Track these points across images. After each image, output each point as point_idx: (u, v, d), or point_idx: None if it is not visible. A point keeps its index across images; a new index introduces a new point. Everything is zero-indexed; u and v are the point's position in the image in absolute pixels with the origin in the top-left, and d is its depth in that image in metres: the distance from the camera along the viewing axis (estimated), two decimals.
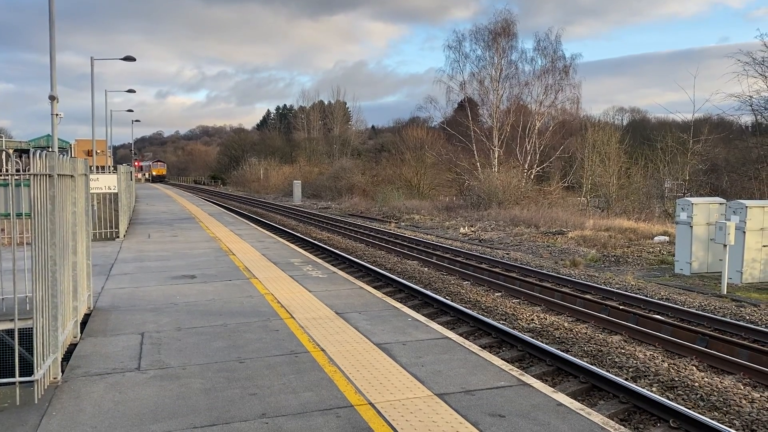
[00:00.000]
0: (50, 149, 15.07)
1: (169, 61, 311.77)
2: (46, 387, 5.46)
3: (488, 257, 17.78)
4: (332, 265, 14.42)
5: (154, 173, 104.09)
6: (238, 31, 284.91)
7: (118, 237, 17.57)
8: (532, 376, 6.62)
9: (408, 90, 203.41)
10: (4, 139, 42.21)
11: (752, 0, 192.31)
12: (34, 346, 5.21)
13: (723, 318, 10.54)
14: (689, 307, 11.45)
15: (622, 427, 4.79)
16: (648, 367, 8.14)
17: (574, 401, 5.33)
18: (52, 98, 15.87)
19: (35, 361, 5.23)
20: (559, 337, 9.67)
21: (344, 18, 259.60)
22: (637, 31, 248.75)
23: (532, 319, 10.73)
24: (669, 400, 6.91)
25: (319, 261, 13.50)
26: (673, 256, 16.73)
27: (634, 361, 8.39)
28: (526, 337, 9.16)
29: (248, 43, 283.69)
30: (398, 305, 8.96)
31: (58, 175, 5.84)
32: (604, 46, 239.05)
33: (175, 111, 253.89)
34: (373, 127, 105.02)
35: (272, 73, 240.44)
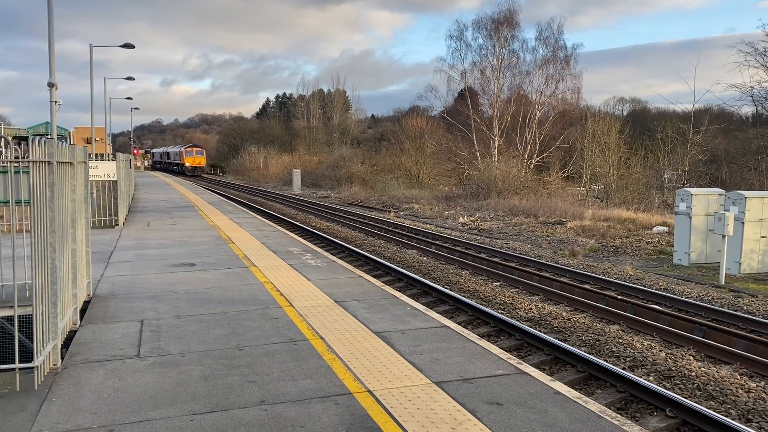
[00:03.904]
0: (49, 136, 15.04)
1: (174, 49, 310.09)
2: (45, 373, 5.49)
3: (487, 247, 17.80)
4: (331, 253, 14.43)
5: (187, 164, 73.37)
6: (244, 18, 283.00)
7: (117, 225, 17.57)
8: (530, 364, 6.65)
9: (413, 79, 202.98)
10: (2, 126, 42.10)
11: None
12: (34, 332, 5.23)
13: (720, 308, 10.58)
14: (687, 298, 11.48)
15: (619, 416, 4.82)
16: (645, 357, 8.17)
17: (572, 390, 5.36)
18: (51, 85, 15.80)
19: (35, 347, 5.25)
20: (557, 327, 9.70)
21: (350, 7, 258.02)
22: (642, 21, 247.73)
23: (531, 309, 10.76)
24: (666, 389, 6.95)
25: (319, 250, 13.51)
26: (672, 246, 16.75)
27: (632, 351, 8.42)
28: (525, 326, 9.19)
29: (254, 31, 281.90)
30: (397, 294, 8.98)
31: (57, 162, 5.84)
32: (609, 36, 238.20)
33: (179, 99, 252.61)
34: (372, 116, 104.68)
35: (278, 61, 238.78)
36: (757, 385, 7.24)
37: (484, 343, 6.58)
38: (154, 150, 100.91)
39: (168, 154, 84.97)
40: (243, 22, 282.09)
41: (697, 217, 15.58)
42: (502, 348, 7.38)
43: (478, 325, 9.79)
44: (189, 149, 76.12)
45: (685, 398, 6.59)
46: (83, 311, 7.72)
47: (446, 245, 18.27)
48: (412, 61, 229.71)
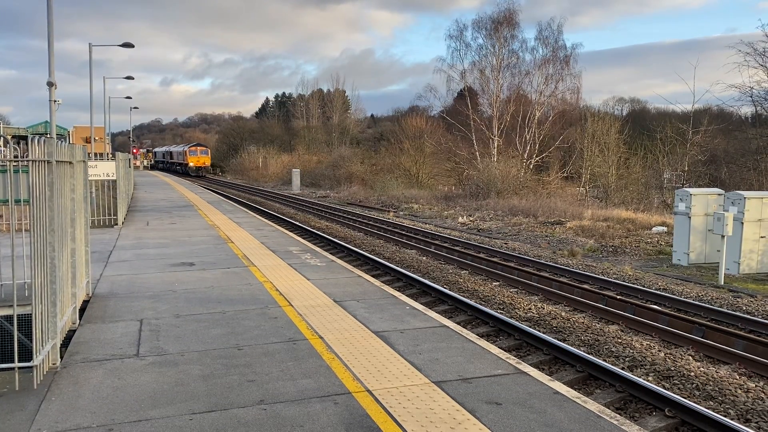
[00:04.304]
0: (48, 136, 15.03)
1: (174, 48, 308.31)
2: (45, 372, 5.49)
3: (486, 247, 17.80)
4: (331, 253, 14.43)
5: (191, 164, 68.93)
6: (244, 18, 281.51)
7: (116, 224, 17.57)
8: (529, 364, 6.66)
9: (413, 79, 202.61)
10: (2, 126, 42.07)
11: None
12: (33, 331, 5.23)
13: (720, 308, 10.58)
14: (686, 298, 11.49)
15: (618, 416, 4.82)
16: (644, 357, 8.18)
17: (571, 390, 5.37)
18: (50, 84, 15.80)
19: (34, 346, 5.25)
20: (556, 327, 9.71)
21: (351, 6, 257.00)
22: (642, 22, 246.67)
23: (530, 309, 10.77)
24: (665, 389, 6.95)
25: (318, 249, 13.51)
26: (671, 246, 16.76)
27: (631, 351, 8.43)
28: (524, 326, 9.20)
29: (254, 30, 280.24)
30: (396, 294, 8.98)
31: (56, 161, 5.83)
32: (609, 36, 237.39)
33: (179, 99, 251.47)
34: (372, 115, 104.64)
35: (278, 61, 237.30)
36: (756, 385, 7.24)
37: (483, 343, 6.59)
38: (156, 149, 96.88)
39: (171, 153, 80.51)
40: (243, 22, 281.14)
41: (697, 217, 15.58)
42: (501, 348, 7.39)
43: (477, 324, 9.80)
44: (193, 148, 71.04)
45: (684, 398, 6.60)
46: (82, 310, 7.72)
47: (445, 245, 18.27)
48: (412, 60, 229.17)
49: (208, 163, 71.22)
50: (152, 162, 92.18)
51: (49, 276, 5.59)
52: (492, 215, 27.45)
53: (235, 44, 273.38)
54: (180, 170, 71.95)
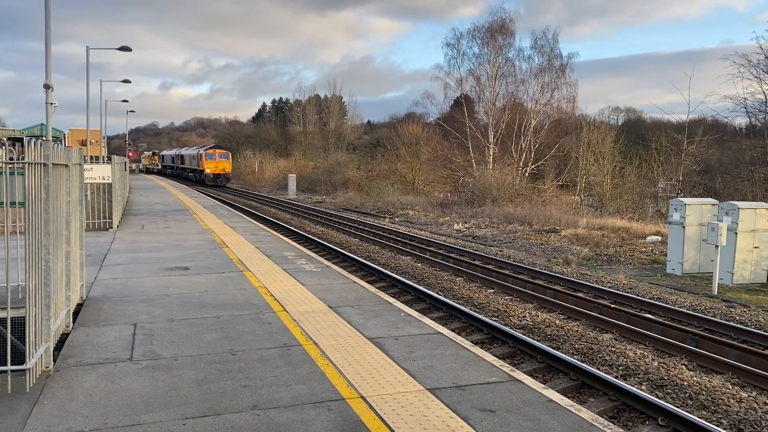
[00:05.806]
0: (44, 138, 15.00)
1: (174, 52, 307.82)
2: (37, 376, 5.46)
3: (481, 254, 17.82)
4: (326, 259, 14.42)
5: (207, 170, 56.49)
6: (244, 23, 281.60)
7: (111, 227, 17.52)
8: (523, 372, 6.66)
9: (411, 86, 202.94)
10: None
11: (758, 4, 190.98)
12: (27, 334, 5.21)
13: (713, 318, 10.62)
14: (680, 307, 11.53)
15: (611, 424, 4.83)
16: (638, 366, 8.20)
17: (564, 398, 5.37)
18: (46, 87, 15.79)
19: (27, 349, 5.23)
20: (550, 335, 9.72)
21: (351, 14, 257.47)
22: (640, 33, 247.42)
23: (524, 316, 10.78)
24: (658, 398, 6.97)
25: (313, 255, 13.50)
26: (665, 256, 16.81)
27: (625, 360, 8.45)
28: (518, 333, 9.21)
29: (255, 36, 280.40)
30: (391, 300, 8.98)
31: (52, 164, 5.82)
32: (607, 46, 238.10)
33: (177, 103, 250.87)
34: (369, 122, 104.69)
35: (278, 66, 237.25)
36: (749, 395, 7.27)
37: (477, 350, 6.59)
38: (164, 152, 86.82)
39: (182, 157, 67.67)
40: (244, 27, 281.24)
41: (691, 227, 15.65)
42: (495, 355, 7.39)
43: (471, 332, 9.80)
44: (210, 151, 58.10)
45: (677, 407, 6.61)
46: (76, 314, 7.69)
47: (441, 252, 18.28)
48: (411, 68, 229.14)
49: (228, 169, 58.65)
50: (159, 167, 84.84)
51: (43, 279, 5.57)
52: (487, 223, 27.49)
53: (236, 49, 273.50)
54: (194, 178, 60.32)
